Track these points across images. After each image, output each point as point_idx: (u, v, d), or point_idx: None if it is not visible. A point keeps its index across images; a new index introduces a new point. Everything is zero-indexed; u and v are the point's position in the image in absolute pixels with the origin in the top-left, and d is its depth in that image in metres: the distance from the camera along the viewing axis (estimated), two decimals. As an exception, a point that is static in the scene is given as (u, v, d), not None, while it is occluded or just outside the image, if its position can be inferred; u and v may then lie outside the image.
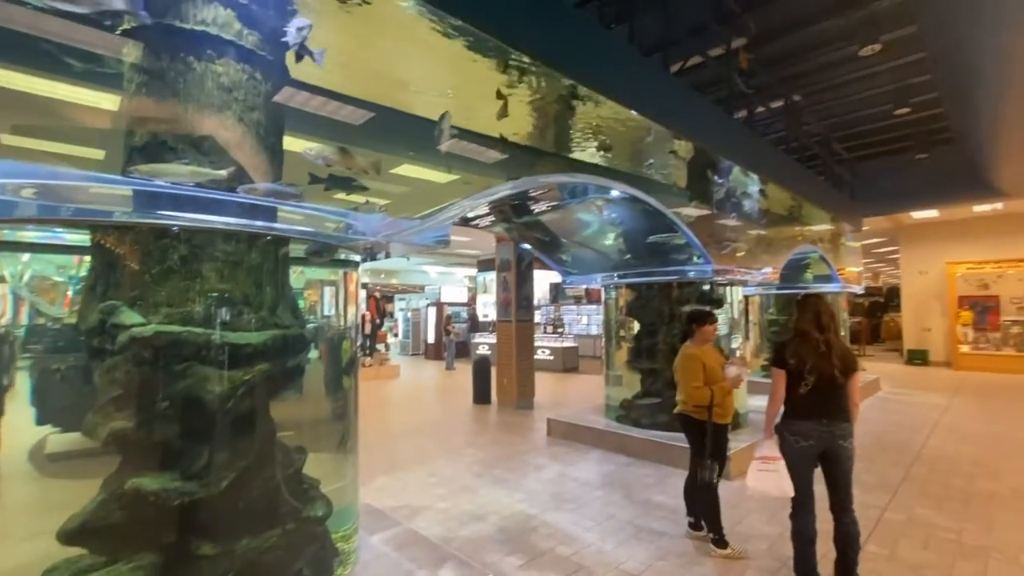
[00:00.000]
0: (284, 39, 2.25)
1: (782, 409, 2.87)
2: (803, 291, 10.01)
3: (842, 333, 8.84)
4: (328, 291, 3.19)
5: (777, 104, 9.12)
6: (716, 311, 4.50)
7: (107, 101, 2.06)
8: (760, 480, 2.78)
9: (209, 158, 2.05)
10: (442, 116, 2.92)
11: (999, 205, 12.66)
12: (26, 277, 2.37)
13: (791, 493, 2.73)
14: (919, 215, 13.86)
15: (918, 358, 14.46)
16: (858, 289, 11.80)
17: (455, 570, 2.91)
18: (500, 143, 3.50)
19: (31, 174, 1.82)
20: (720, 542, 3.37)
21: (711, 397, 3.40)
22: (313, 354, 2.80)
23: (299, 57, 2.28)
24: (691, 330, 3.68)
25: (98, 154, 2.13)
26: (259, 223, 2.25)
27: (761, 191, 7.23)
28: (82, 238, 2.26)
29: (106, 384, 2.09)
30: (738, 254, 6.42)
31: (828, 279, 10.15)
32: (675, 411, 3.66)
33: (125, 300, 2.08)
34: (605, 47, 4.67)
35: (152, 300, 2.10)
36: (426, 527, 3.79)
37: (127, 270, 2.13)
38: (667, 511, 4.11)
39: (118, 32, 1.88)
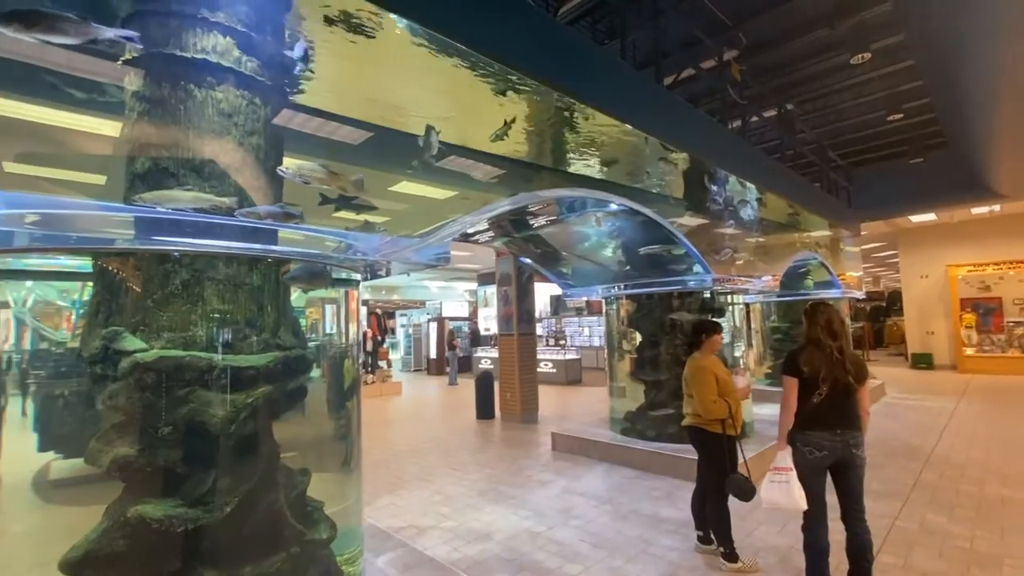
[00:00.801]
0: (295, 66, 2.30)
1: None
2: (806, 298, 10.01)
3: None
4: (329, 309, 3.19)
5: (770, 113, 9.23)
6: (718, 319, 4.48)
7: (107, 127, 2.09)
8: (772, 492, 2.70)
9: (211, 183, 2.07)
10: (428, 129, 2.91)
11: (997, 207, 12.72)
12: (29, 303, 2.38)
13: (804, 506, 2.66)
14: (917, 219, 13.91)
15: (923, 362, 14.39)
16: (859, 294, 11.80)
17: (462, 591, 2.87)
18: (498, 159, 3.53)
19: (35, 204, 1.84)
20: (731, 556, 3.32)
21: (728, 409, 3.36)
22: (315, 373, 2.79)
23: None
24: (699, 340, 3.61)
25: (99, 179, 2.16)
26: (258, 246, 2.26)
27: (759, 199, 7.26)
28: (84, 263, 2.27)
29: (109, 410, 2.08)
30: (737, 262, 6.43)
31: (829, 285, 10.16)
32: (684, 423, 3.61)
33: (127, 326, 2.09)
34: (599, 63, 4.74)
35: (155, 325, 2.10)
36: (431, 547, 3.74)
37: (129, 295, 2.14)
38: (676, 525, 4.06)
39: (120, 62, 1.92)
